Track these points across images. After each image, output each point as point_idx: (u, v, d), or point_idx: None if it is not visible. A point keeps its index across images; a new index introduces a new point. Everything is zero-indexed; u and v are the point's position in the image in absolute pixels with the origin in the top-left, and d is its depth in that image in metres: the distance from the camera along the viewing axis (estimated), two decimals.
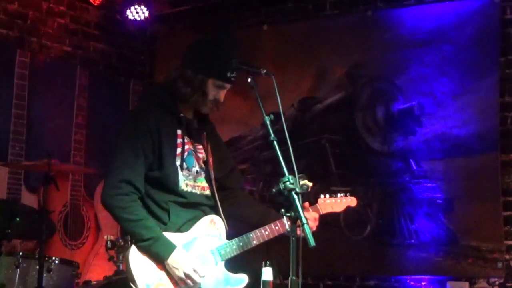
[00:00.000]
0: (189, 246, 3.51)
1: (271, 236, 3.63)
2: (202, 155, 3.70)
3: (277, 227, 3.62)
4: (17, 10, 6.09)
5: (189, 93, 3.60)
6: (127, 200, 3.45)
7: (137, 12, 6.62)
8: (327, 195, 3.84)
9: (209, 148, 3.74)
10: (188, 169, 3.62)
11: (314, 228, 3.67)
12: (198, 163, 3.68)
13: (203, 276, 3.47)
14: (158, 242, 3.43)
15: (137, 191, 3.49)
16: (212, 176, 3.70)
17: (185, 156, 3.61)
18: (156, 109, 3.60)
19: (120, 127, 3.67)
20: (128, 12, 6.61)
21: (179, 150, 3.59)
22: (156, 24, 7.05)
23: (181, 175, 3.58)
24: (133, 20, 6.64)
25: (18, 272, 4.79)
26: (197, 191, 3.64)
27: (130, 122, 3.63)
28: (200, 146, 3.71)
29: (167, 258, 3.43)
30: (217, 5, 6.69)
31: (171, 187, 3.56)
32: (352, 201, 3.90)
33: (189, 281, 3.44)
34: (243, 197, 3.92)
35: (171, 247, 3.44)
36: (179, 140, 3.60)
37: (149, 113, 3.58)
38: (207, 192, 3.69)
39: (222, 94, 3.65)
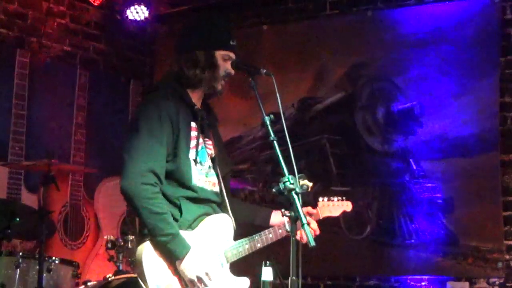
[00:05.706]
0: (200, 247, 3.44)
1: (274, 239, 3.59)
2: (210, 151, 3.63)
3: (280, 230, 3.58)
4: (17, 10, 6.09)
5: (199, 73, 3.52)
6: (152, 191, 3.35)
7: (137, 12, 6.61)
8: (325, 198, 3.79)
9: (215, 145, 3.68)
10: (201, 163, 3.54)
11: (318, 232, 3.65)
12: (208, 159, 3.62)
13: (213, 280, 3.42)
14: (176, 240, 3.35)
15: (160, 183, 3.40)
16: (220, 173, 3.63)
17: (199, 149, 3.53)
18: (173, 98, 3.50)
19: (140, 110, 3.52)
20: (128, 12, 6.60)
21: (193, 143, 3.50)
22: (156, 24, 7.05)
23: (194, 169, 3.50)
24: (133, 20, 6.64)
25: (18, 272, 4.79)
26: (208, 187, 3.56)
27: (153, 106, 3.45)
28: (210, 142, 3.64)
29: (181, 258, 3.36)
30: (217, 5, 6.69)
31: (184, 181, 3.46)
32: (347, 206, 3.84)
33: (199, 284, 3.38)
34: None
35: (186, 248, 3.36)
36: (193, 133, 3.52)
37: (169, 101, 3.47)
38: (217, 188, 3.61)
39: (230, 66, 3.55)
